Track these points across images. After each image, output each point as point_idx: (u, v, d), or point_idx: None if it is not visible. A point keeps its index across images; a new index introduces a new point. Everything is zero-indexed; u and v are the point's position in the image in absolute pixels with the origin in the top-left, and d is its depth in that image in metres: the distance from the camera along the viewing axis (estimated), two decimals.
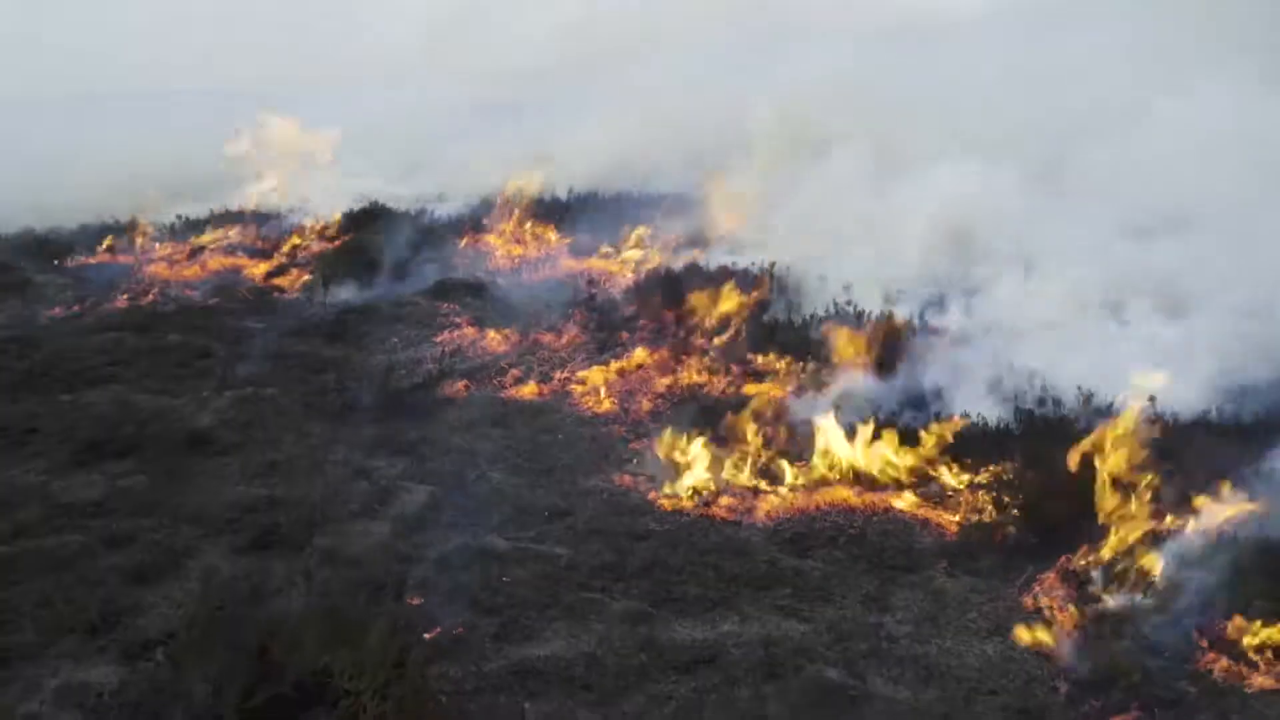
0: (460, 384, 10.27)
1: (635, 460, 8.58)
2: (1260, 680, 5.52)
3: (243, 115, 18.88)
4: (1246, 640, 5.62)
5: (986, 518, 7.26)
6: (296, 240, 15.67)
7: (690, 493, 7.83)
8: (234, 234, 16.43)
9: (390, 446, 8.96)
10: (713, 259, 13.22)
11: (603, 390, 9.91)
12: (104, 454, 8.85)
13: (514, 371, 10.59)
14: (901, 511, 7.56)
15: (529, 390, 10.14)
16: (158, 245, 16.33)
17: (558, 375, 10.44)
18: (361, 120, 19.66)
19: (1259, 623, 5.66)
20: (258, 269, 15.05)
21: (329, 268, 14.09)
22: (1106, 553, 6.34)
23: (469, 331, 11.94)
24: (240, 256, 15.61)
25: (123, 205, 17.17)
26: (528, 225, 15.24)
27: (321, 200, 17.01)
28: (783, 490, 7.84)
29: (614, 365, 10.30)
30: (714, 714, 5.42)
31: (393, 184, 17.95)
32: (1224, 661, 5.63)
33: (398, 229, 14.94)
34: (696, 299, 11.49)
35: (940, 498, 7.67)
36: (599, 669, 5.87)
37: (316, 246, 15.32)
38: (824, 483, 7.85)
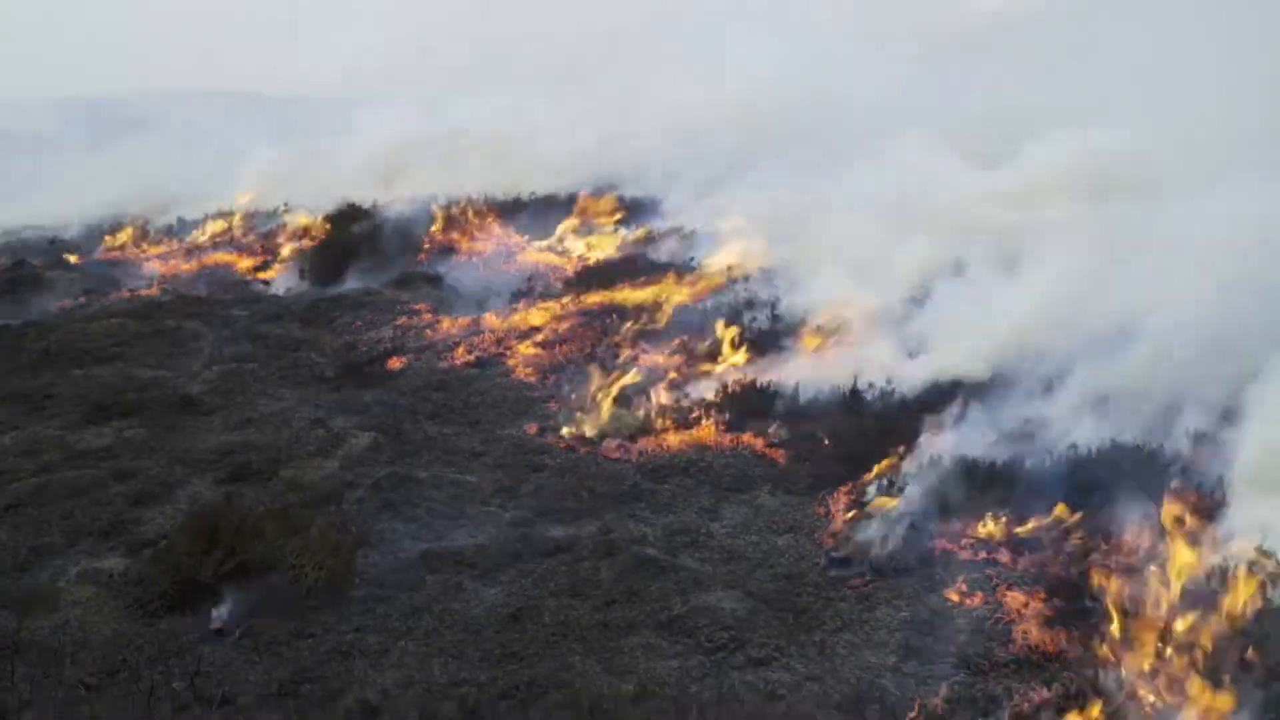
0: (411, 358, 12.51)
1: (545, 415, 10.81)
2: (964, 555, 7.73)
3: (238, 120, 21.19)
4: (954, 528, 7.84)
5: (806, 455, 9.47)
6: (280, 239, 17.94)
7: (581, 436, 10.07)
8: (225, 233, 18.72)
9: (346, 407, 11.21)
10: (662, 252, 15.38)
11: (529, 363, 12.13)
12: (110, 414, 11.13)
13: (460, 348, 12.82)
14: (745, 450, 9.78)
15: (469, 361, 12.37)
16: (156, 244, 18.64)
17: (495, 351, 12.66)
18: (344, 127, 21.91)
19: (964, 517, 7.92)
20: (245, 264, 17.34)
21: (307, 263, 16.37)
22: (874, 475, 8.58)
23: (425, 317, 14.18)
24: (231, 253, 17.92)
25: (125, 207, 19.50)
26: (487, 223, 17.47)
27: (305, 202, 19.23)
28: (658, 434, 10.06)
29: (541, 339, 12.53)
30: (559, 580, 7.66)
31: (369, 188, 20.07)
32: (940, 543, 7.84)
33: (370, 228, 17.22)
34: (625, 288, 13.75)
35: (778, 440, 9.87)
36: (485, 555, 8.12)
37: (298, 244, 17.56)
38: (689, 427, 10.07)
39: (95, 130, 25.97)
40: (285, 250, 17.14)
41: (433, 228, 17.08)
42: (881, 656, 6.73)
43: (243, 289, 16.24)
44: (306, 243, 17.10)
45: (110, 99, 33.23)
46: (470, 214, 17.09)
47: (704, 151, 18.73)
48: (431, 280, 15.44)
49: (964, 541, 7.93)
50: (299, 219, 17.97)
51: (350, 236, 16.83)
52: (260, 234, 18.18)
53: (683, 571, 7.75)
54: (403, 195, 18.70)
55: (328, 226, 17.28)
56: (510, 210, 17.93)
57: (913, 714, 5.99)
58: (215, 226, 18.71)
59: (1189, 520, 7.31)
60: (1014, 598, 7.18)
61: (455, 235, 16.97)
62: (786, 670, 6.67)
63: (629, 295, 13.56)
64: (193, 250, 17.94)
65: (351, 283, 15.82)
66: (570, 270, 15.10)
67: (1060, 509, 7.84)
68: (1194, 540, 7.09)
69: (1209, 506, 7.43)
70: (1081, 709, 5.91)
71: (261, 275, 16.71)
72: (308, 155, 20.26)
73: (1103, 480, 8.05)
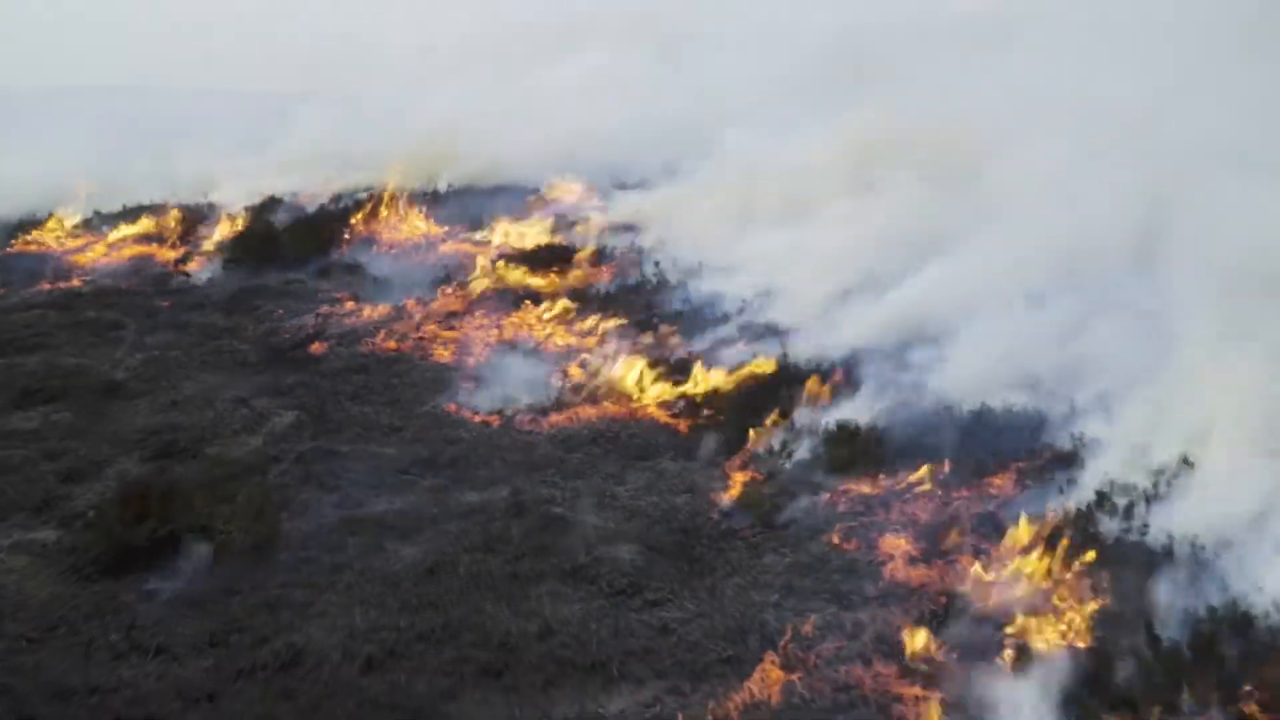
0: (332, 343, 13.04)
1: (462, 393, 11.44)
2: (843, 507, 8.57)
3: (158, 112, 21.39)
4: (830, 484, 8.71)
5: (705, 423, 10.25)
6: (203, 230, 18.26)
7: (496, 411, 10.74)
8: (147, 225, 18.96)
9: (270, 389, 11.72)
10: (577, 240, 16.04)
11: (447, 346, 12.75)
12: (36, 400, 11.52)
13: (380, 334, 13.38)
14: (651, 421, 10.53)
15: (390, 346, 12.94)
16: (77, 237, 18.82)
17: (414, 336, 13.24)
18: (261, 119, 22.20)
19: (845, 474, 8.78)
20: (167, 255, 17.64)
21: (229, 254, 16.76)
22: (763, 438, 9.39)
23: (347, 305, 14.69)
24: (152, 245, 18.19)
25: (42, 199, 19.61)
26: (408, 214, 18.01)
27: (227, 194, 19.55)
28: (568, 408, 10.76)
29: (459, 323, 13.15)
30: (473, 538, 8.34)
31: (292, 179, 20.43)
32: (824, 498, 8.68)
33: (292, 219, 17.65)
34: (541, 274, 14.42)
35: (680, 411, 10.64)
36: (404, 518, 8.76)
37: (220, 236, 17.91)
38: (597, 401, 10.80)
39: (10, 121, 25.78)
40: (207, 242, 17.47)
41: (354, 219, 17.55)
42: (765, 595, 7.51)
43: (165, 280, 16.55)
44: (228, 235, 17.44)
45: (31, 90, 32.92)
46: (391, 205, 17.60)
47: (622, 142, 19.40)
48: (352, 270, 15.94)
49: (844, 496, 8.76)
50: (221, 211, 18.31)
51: (272, 228, 17.24)
52: (182, 226, 18.46)
53: (587, 528, 8.47)
54: (325, 187, 19.16)
55: (249, 219, 17.65)
56: (430, 201, 18.47)
57: (786, 639, 6.78)
58: (137, 219, 18.96)
59: (1035, 475, 8.30)
60: (885, 543, 8.01)
61: (376, 226, 17.47)
62: (679, 609, 7.42)
63: (545, 281, 14.23)
64: (114, 243, 18.18)
65: (273, 273, 16.24)
66: (488, 258, 15.69)
67: (927, 466, 8.72)
68: (1039, 489, 8.06)
69: (1054, 460, 8.39)
70: (932, 627, 6.76)
71: (183, 268, 17.02)
72: (231, 148, 20.53)
73: (969, 440, 8.96)
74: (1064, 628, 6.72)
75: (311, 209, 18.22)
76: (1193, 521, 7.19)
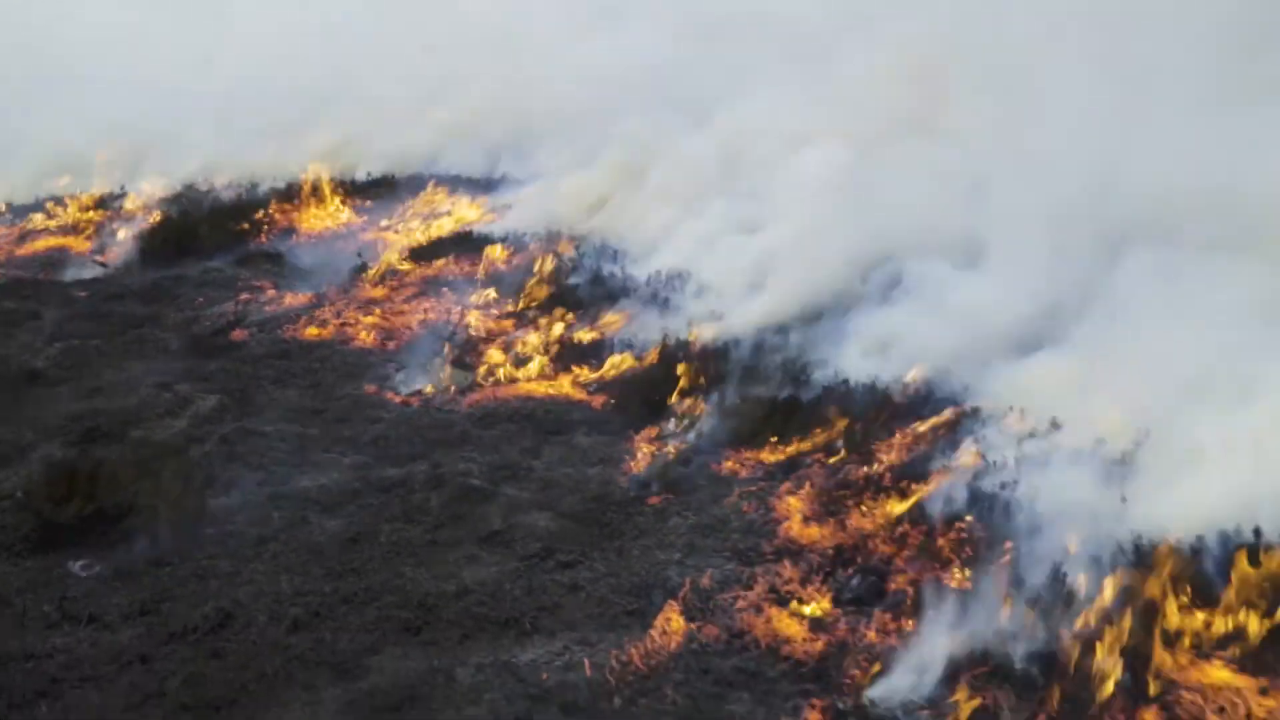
0: (254, 330, 13.34)
1: (383, 376, 11.86)
2: (745, 474, 9.20)
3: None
4: (734, 453, 9.33)
5: (618, 400, 10.82)
6: (119, 220, 18.32)
7: (417, 392, 11.19)
8: (62, 217, 18.95)
9: (192, 375, 12.01)
10: (495, 227, 16.47)
11: (368, 331, 13.13)
12: None
13: (301, 320, 13.70)
14: (566, 398, 11.07)
15: (311, 333, 13.28)
16: None
17: (335, 322, 13.59)
18: (178, 109, 22.16)
19: (748, 444, 9.41)
20: (84, 247, 17.70)
21: (146, 244, 16.89)
22: (672, 413, 10.02)
23: (267, 292, 14.97)
24: (68, 237, 18.22)
25: None
26: (328, 203, 18.27)
27: (143, 185, 19.58)
28: (486, 389, 11.25)
29: (378, 310, 13.55)
30: (394, 509, 8.80)
31: (209, 169, 20.50)
32: (727, 465, 9.30)
33: (210, 209, 17.82)
34: (460, 261, 14.86)
35: (595, 389, 11.19)
36: (327, 493, 9.18)
37: (137, 226, 17.99)
38: (514, 382, 11.30)
39: None
40: (123, 233, 17.56)
41: (273, 208, 17.78)
42: (669, 554, 8.09)
43: (81, 270, 16.64)
44: (145, 225, 17.55)
45: None
46: (310, 194, 17.86)
47: (542, 131, 19.77)
48: (272, 258, 16.20)
49: (746, 464, 9.39)
50: (138, 201, 18.40)
51: (189, 218, 17.39)
52: (98, 217, 18.51)
53: (503, 498, 8.99)
54: (243, 176, 19.31)
55: (166, 209, 17.78)
56: (351, 191, 18.75)
57: (684, 590, 7.37)
58: (52, 210, 18.96)
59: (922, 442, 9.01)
60: (781, 505, 8.65)
61: (295, 215, 17.72)
62: (589, 570, 7.97)
63: (463, 268, 14.66)
64: (28, 234, 18.17)
65: (192, 263, 16.41)
66: (408, 246, 16.05)
67: (823, 433, 9.39)
68: (924, 454, 8.76)
69: (939, 427, 9.11)
70: (820, 579, 7.41)
71: (100, 258, 17.10)
72: (147, 138, 20.55)
73: (863, 409, 9.64)
74: (943, 578, 7.39)
75: (229, 198, 18.39)
76: (1059, 483, 7.92)
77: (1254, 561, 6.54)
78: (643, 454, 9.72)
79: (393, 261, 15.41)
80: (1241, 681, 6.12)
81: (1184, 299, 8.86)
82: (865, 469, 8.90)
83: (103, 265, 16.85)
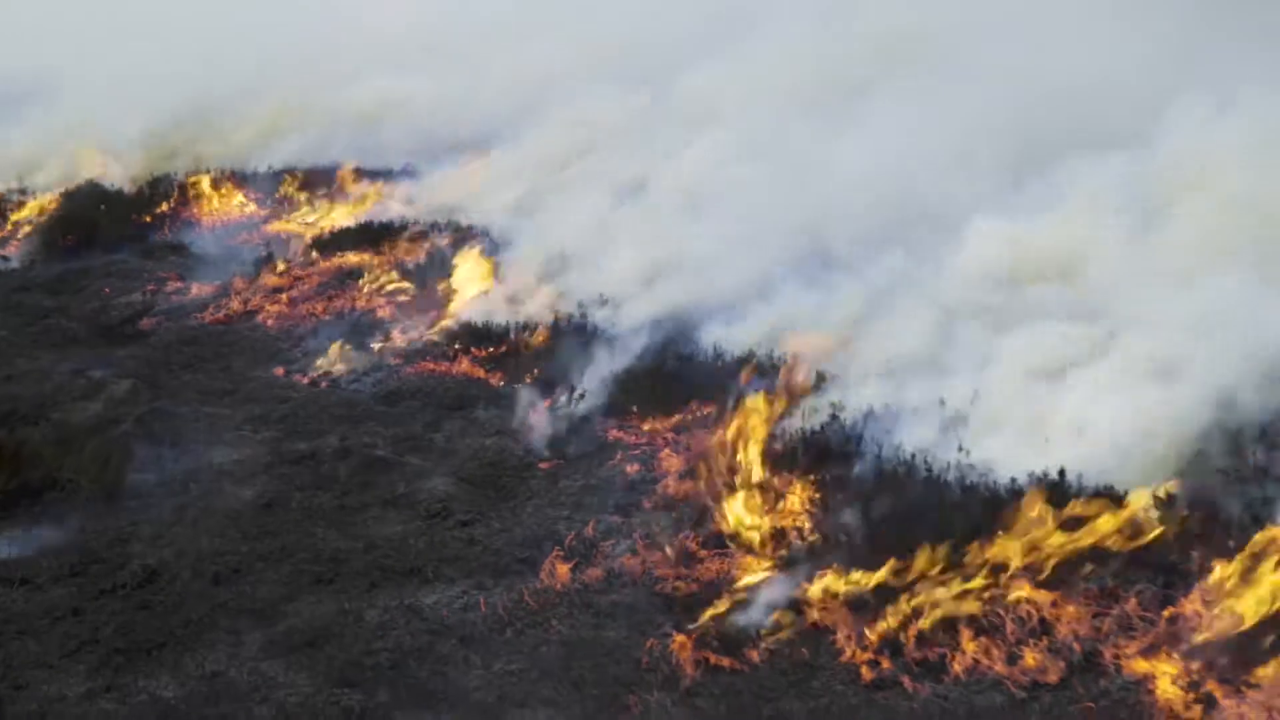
0: (162, 319, 13.92)
1: (290, 360, 12.58)
2: (630, 439, 10.19)
3: None
4: (625, 422, 10.35)
5: (515, 377, 11.73)
6: (20, 215, 18.58)
7: (324, 373, 11.96)
8: None
9: (104, 362, 12.58)
10: (394, 216, 17.19)
11: (274, 319, 13.81)
12: None
13: (208, 309, 14.30)
14: (466, 376, 11.93)
15: (218, 319, 13.91)
16: None
17: (241, 310, 14.23)
18: (80, 101, 22.30)
19: (634, 413, 10.42)
20: None
21: (49, 237, 17.24)
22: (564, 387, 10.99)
23: (174, 283, 15.51)
24: None
25: None
26: (230, 196, 18.79)
27: (45, 178, 19.79)
28: (390, 370, 12.06)
29: (284, 297, 14.22)
30: (304, 479, 9.60)
31: (112, 162, 20.74)
32: (613, 433, 10.29)
33: (114, 202, 18.20)
34: (359, 251, 15.63)
35: (493, 368, 12.07)
36: (241, 466, 9.94)
37: (40, 219, 18.28)
38: (417, 362, 12.14)
39: None
40: (26, 226, 17.87)
41: (176, 200, 18.25)
42: (558, 511, 9.05)
43: None
44: (49, 218, 17.87)
45: None
46: (213, 187, 18.37)
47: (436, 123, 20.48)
48: (177, 250, 16.73)
49: (630, 431, 10.39)
50: (41, 195, 18.69)
51: (93, 211, 17.76)
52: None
53: (407, 466, 9.85)
54: (147, 169, 19.68)
55: (70, 202, 18.11)
56: (251, 182, 19.27)
57: (570, 539, 8.35)
58: None
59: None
60: (659, 466, 9.66)
61: (199, 207, 18.22)
62: (485, 526, 8.89)
63: (365, 256, 15.42)
64: None
65: (97, 255, 16.81)
66: (309, 237, 16.69)
67: (697, 404, 10.43)
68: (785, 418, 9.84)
69: (800, 394, 10.20)
70: (690, 526, 8.45)
71: (3, 251, 17.40)
72: (48, 131, 20.73)
73: (732, 382, 10.69)
74: (787, 522, 8.46)
75: (132, 191, 18.77)
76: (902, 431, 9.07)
77: (1054, 501, 7.75)
78: (537, 424, 10.62)
79: (297, 251, 16.08)
80: (1039, 596, 7.30)
81: None
82: (734, 433, 9.93)
83: (5, 259, 17.16)
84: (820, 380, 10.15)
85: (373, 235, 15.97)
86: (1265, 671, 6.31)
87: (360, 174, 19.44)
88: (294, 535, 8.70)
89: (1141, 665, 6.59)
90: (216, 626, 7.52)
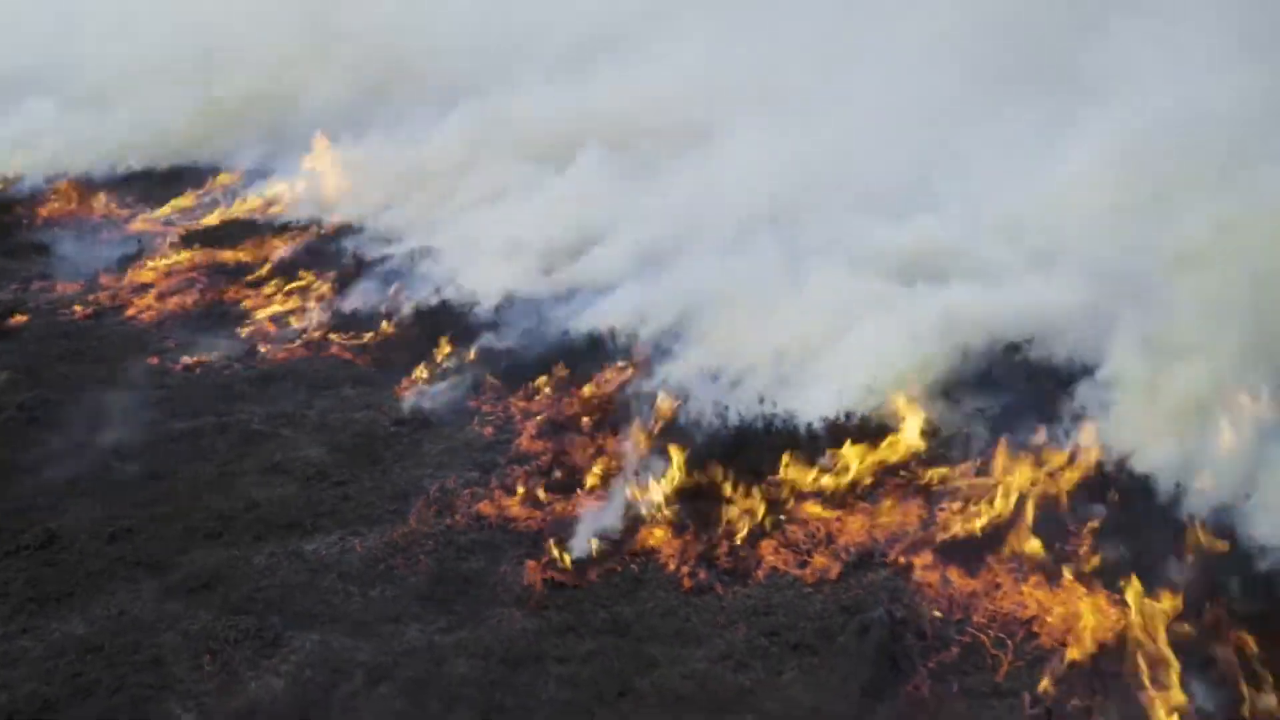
0: (31, 316, 14.54)
1: (165, 350, 13.43)
2: (487, 409, 11.46)
3: None
4: (480, 393, 11.62)
5: (382, 359, 12.88)
6: None
7: (198, 361, 12.88)
8: None
9: None
10: (263, 213, 18.03)
11: (145, 313, 14.60)
12: None
13: (78, 305, 14.97)
14: (335, 359, 13.01)
15: (89, 314, 14.61)
16: None
17: (111, 305, 14.95)
18: None
19: (494, 387, 11.73)
20: None
21: None
22: (428, 366, 12.19)
23: (40, 281, 16.08)
24: None
25: None
26: (93, 196, 19.31)
27: None
28: (261, 356, 13.05)
29: (153, 292, 15.01)
30: (186, 453, 10.59)
31: None
32: (475, 403, 11.55)
33: None
34: (229, 247, 16.45)
35: (360, 351, 13.18)
36: (124, 444, 10.86)
37: None
38: (288, 348, 13.16)
39: None
40: None
41: (37, 202, 18.70)
42: (423, 470, 10.26)
43: None
44: None
45: None
46: (76, 187, 18.87)
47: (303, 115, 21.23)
48: (40, 249, 17.27)
49: (489, 400, 11.66)
50: None
51: None
52: None
53: (282, 438, 10.94)
54: (9, 169, 20.02)
55: None
56: (114, 183, 19.81)
57: (435, 490, 9.60)
58: None
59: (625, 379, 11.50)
60: (514, 428, 10.97)
61: (62, 208, 18.70)
62: (357, 485, 10.05)
63: (232, 252, 16.29)
64: None
65: None
66: (176, 233, 17.42)
67: (547, 377, 11.77)
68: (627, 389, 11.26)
69: (642, 365, 11.64)
70: (541, 478, 9.78)
71: None
72: None
73: (585, 357, 12.07)
74: (632, 469, 9.87)
75: None
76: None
77: (840, 437, 9.39)
78: (403, 399, 11.80)
79: (164, 247, 16.82)
80: (827, 513, 8.89)
81: None
82: (584, 399, 11.32)
83: None
84: (661, 353, 11.64)
85: (240, 230, 16.85)
86: (992, 559, 8.04)
87: (226, 171, 20.26)
88: (181, 500, 9.71)
89: (902, 560, 8.21)
90: (116, 577, 8.53)
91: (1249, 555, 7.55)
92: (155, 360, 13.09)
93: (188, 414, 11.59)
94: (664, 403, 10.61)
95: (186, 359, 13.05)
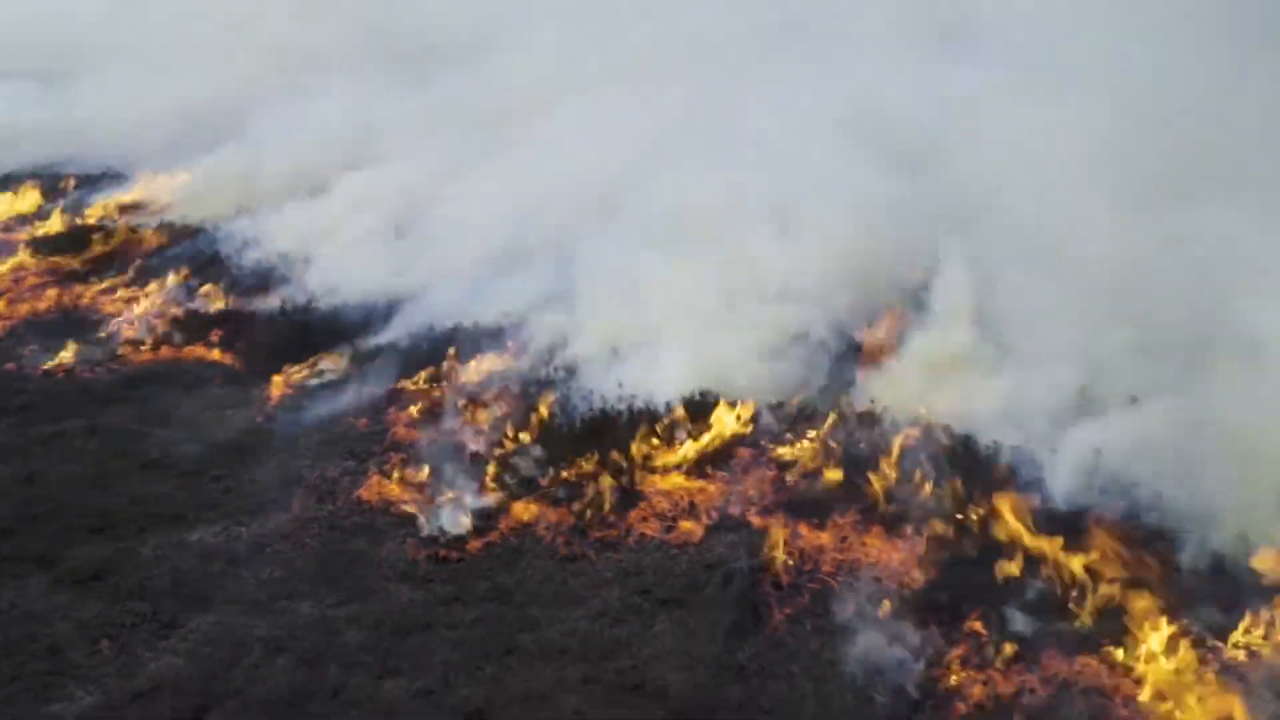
0: None
1: (20, 356, 13.35)
2: (361, 402, 11.90)
3: None
4: (350, 386, 12.06)
5: (250, 358, 13.14)
6: None
7: (58, 365, 12.90)
8: None
9: None
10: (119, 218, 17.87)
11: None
12: None
13: None
14: (202, 360, 13.21)
15: None
16: None
17: None
18: None
19: (354, 381, 12.15)
20: None
21: None
22: (297, 364, 12.54)
23: None
24: None
25: None
26: None
27: None
28: (126, 359, 13.13)
29: (4, 300, 14.85)
30: (59, 454, 10.70)
31: None
32: (345, 398, 11.97)
33: None
34: (81, 252, 16.34)
35: (227, 350, 13.39)
36: (6, 454, 10.88)
37: None
38: (153, 351, 13.28)
39: None
40: None
41: None
42: (301, 461, 10.64)
43: None
44: None
45: None
46: None
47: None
48: None
49: (361, 394, 12.09)
50: None
51: None
52: None
53: (156, 437, 11.15)
54: None
55: None
56: None
57: (315, 478, 10.04)
58: None
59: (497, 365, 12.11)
60: (389, 418, 11.45)
61: None
62: (236, 479, 10.38)
63: (83, 257, 16.19)
64: None
65: None
66: (23, 240, 17.14)
67: (425, 372, 12.27)
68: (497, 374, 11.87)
69: (517, 353, 12.26)
70: (418, 459, 10.33)
71: None
72: None
73: (460, 349, 12.60)
74: (497, 451, 10.49)
75: None
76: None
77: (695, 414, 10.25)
78: (274, 396, 12.13)
79: (14, 254, 16.58)
80: (688, 484, 9.72)
81: None
82: (456, 387, 11.88)
83: None
84: (527, 342, 12.30)
85: (92, 236, 16.71)
86: (840, 516, 9.03)
87: (75, 177, 19.98)
88: (59, 499, 9.87)
89: (759, 520, 9.11)
90: (2, 574, 8.70)
91: None
92: (12, 368, 13.01)
93: (54, 418, 11.64)
94: (531, 389, 11.31)
95: (45, 364, 13.04)
